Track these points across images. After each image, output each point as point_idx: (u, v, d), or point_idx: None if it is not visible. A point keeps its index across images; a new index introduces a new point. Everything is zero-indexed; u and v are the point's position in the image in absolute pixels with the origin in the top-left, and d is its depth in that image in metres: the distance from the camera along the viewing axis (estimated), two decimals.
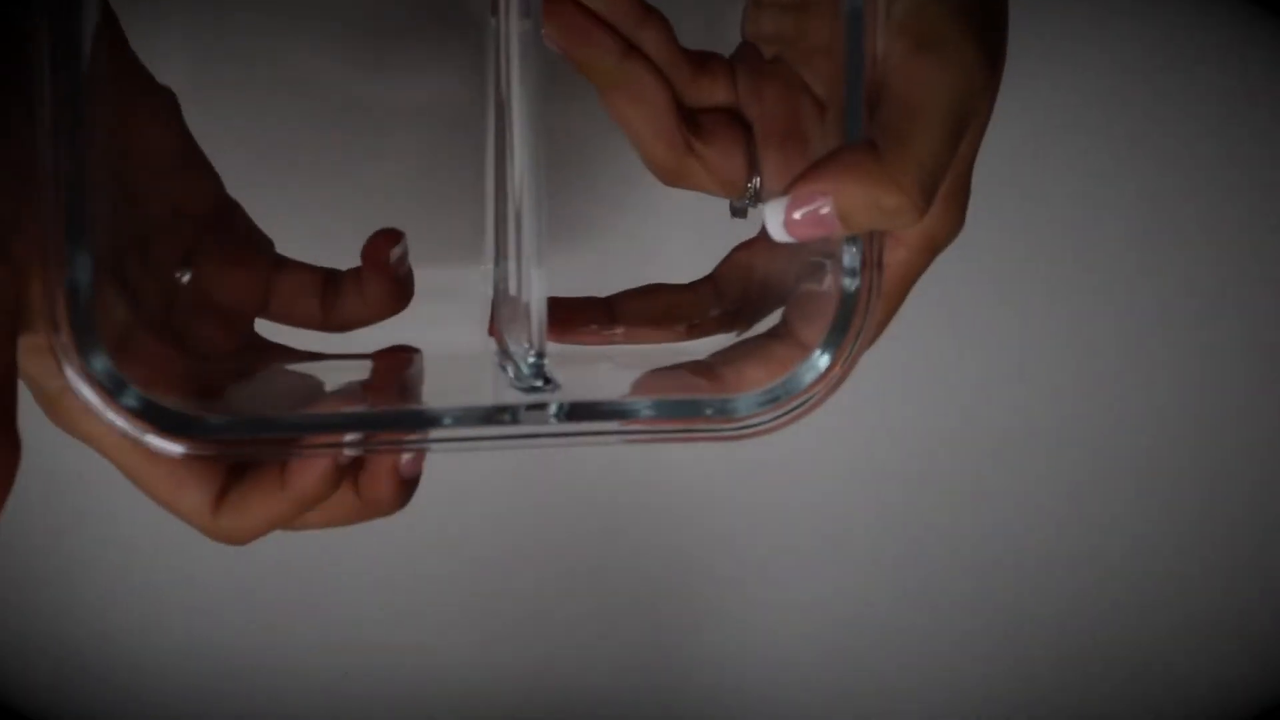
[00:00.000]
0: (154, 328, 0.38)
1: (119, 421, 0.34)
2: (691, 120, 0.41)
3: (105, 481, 0.52)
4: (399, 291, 0.41)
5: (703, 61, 0.42)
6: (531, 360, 0.37)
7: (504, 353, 0.39)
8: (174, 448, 0.34)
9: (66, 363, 0.33)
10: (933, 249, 0.38)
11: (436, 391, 0.38)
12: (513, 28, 0.39)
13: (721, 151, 0.41)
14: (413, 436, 0.36)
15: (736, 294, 0.42)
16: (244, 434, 0.34)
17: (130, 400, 0.34)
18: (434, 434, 0.35)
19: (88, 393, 0.34)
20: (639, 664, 0.56)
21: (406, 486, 0.38)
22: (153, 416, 0.34)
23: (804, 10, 0.40)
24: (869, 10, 0.34)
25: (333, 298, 0.41)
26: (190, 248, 0.39)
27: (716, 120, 0.41)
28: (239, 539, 0.37)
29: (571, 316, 0.41)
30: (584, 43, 0.40)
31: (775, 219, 0.35)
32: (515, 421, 0.35)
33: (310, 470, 0.36)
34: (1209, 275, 0.56)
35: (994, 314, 0.55)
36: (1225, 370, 0.56)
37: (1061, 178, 0.55)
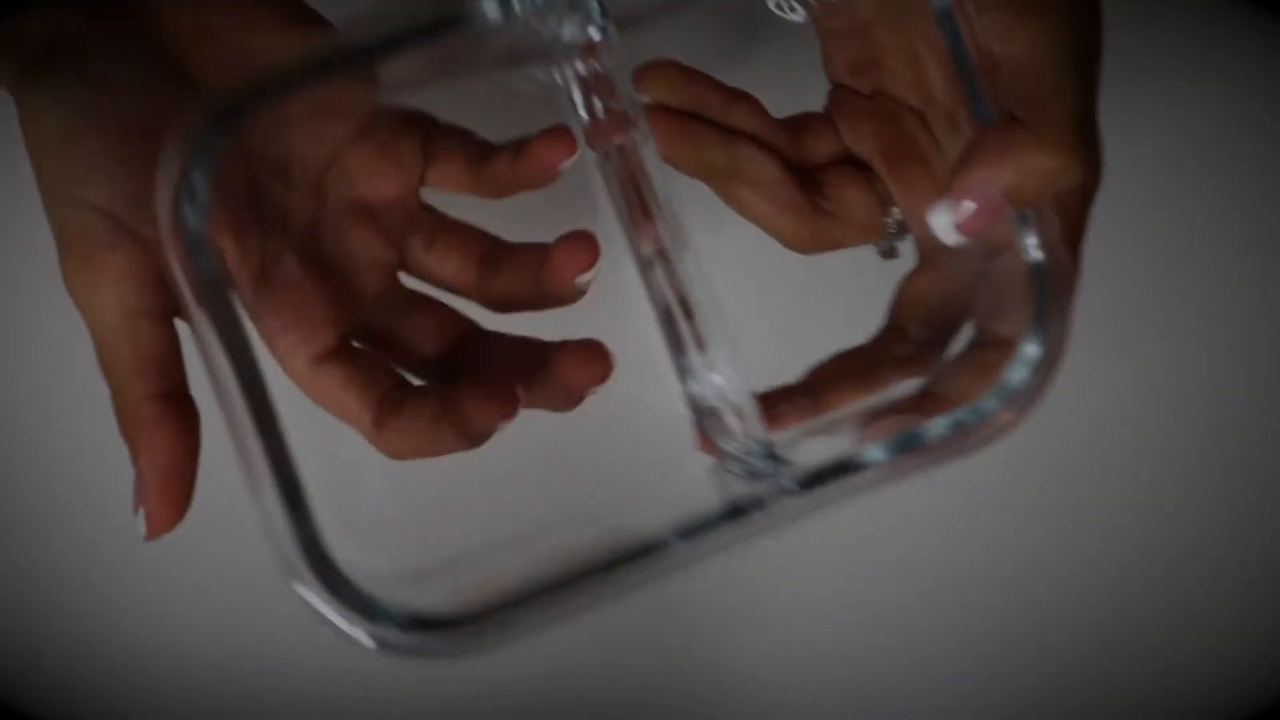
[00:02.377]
0: (300, 249, 0.38)
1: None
2: (810, 181, 0.40)
3: (105, 481, 0.52)
4: (559, 152, 0.39)
5: (800, 122, 0.41)
6: (757, 448, 0.36)
7: (724, 458, 0.38)
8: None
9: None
10: (1089, 198, 0.38)
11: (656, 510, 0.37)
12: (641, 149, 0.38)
13: (849, 199, 0.40)
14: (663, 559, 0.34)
15: (920, 327, 0.41)
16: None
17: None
18: (686, 550, 0.34)
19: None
20: (641, 663, 0.56)
21: None
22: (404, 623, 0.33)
23: (870, 31, 0.40)
24: (955, 3, 0.34)
25: (482, 165, 0.40)
26: (336, 150, 0.39)
27: (834, 172, 0.41)
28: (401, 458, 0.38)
29: (776, 406, 0.40)
30: (691, 142, 0.39)
31: (943, 222, 0.35)
32: (761, 508, 0.35)
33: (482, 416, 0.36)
34: (1209, 276, 0.56)
35: None
36: (1226, 370, 0.56)
37: None
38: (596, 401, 0.40)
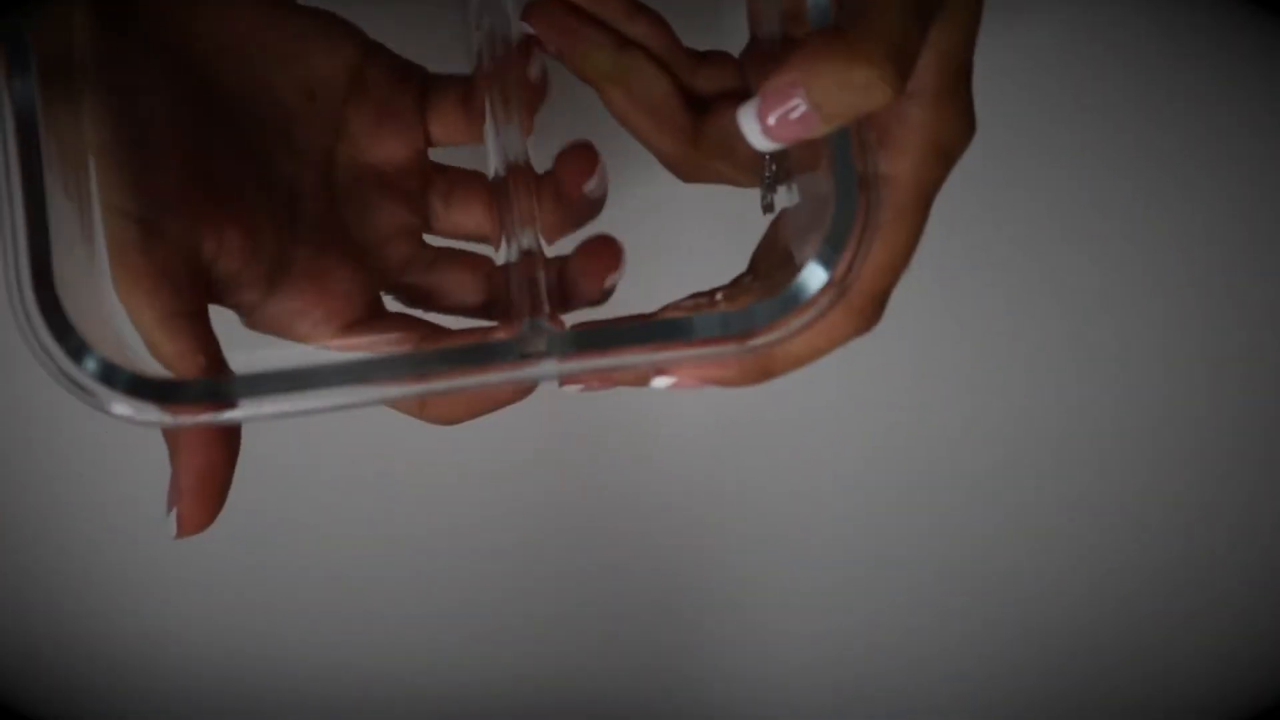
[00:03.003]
0: (319, 229, 0.38)
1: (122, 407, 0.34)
2: (699, 108, 0.39)
3: (106, 481, 0.53)
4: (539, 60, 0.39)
5: (705, 55, 0.40)
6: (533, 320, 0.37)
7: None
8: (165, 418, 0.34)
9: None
10: (942, 154, 0.37)
11: None
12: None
13: (730, 126, 0.38)
14: (411, 385, 0.35)
15: (767, 265, 0.40)
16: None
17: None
18: (439, 381, 0.34)
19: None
20: (641, 663, 0.56)
21: None
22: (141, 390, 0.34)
23: None
24: None
25: (478, 106, 0.40)
26: (337, 121, 0.40)
27: (721, 100, 0.40)
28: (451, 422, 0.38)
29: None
30: (580, 41, 0.39)
31: (750, 124, 0.34)
32: (512, 356, 0.34)
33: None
34: (1210, 276, 0.56)
35: (996, 312, 0.55)
36: (1227, 370, 0.56)
37: (1061, 178, 0.55)
38: None
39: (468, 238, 0.42)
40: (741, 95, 0.39)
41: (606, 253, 0.39)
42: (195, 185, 0.37)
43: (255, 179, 0.38)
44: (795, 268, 0.35)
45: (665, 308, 0.39)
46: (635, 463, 0.55)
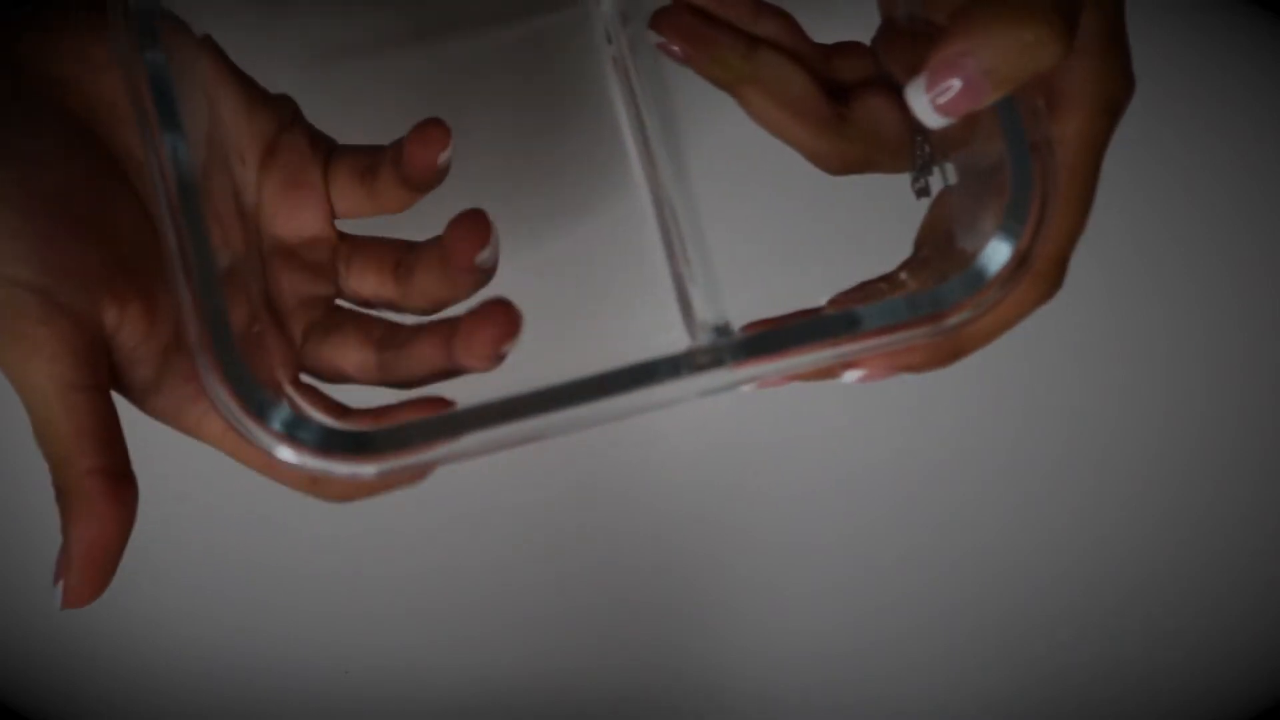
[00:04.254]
0: (257, 303, 0.37)
1: (311, 462, 0.33)
2: (838, 97, 0.38)
3: None
4: (433, 146, 0.38)
5: (837, 46, 0.39)
6: (712, 327, 0.35)
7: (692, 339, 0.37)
8: (366, 469, 0.33)
9: (236, 418, 0.33)
10: (1109, 109, 0.36)
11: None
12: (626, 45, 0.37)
13: (877, 114, 0.38)
14: (589, 409, 0.33)
15: (933, 247, 0.39)
16: (418, 438, 0.33)
17: (308, 434, 0.33)
18: (612, 403, 0.33)
19: (267, 440, 0.33)
20: (643, 663, 0.56)
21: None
22: (332, 443, 0.33)
23: None
24: None
25: (372, 181, 0.39)
26: (253, 193, 0.39)
27: (863, 88, 0.38)
28: (344, 500, 0.37)
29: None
30: (710, 44, 0.38)
31: (920, 100, 0.32)
32: (685, 370, 0.33)
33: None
34: (1210, 276, 0.56)
35: None
36: (1227, 370, 0.56)
37: None
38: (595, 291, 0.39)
39: (368, 305, 0.40)
40: (880, 81, 0.38)
41: (497, 316, 0.36)
42: (96, 253, 0.35)
43: (155, 247, 0.37)
44: (968, 248, 0.34)
45: (834, 299, 0.38)
46: (635, 463, 0.55)
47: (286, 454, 0.33)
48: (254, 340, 0.36)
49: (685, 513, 0.55)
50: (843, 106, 0.38)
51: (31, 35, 0.36)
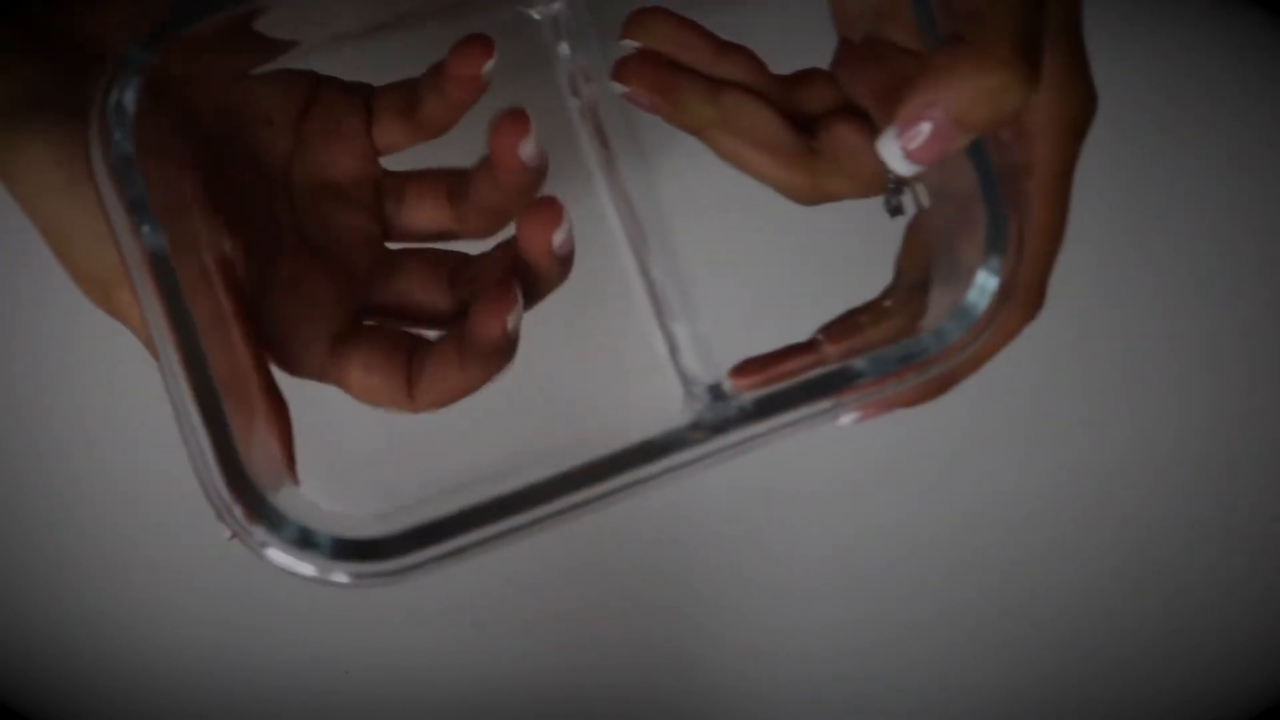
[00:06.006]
0: (292, 245, 0.38)
1: (309, 570, 0.33)
2: (806, 129, 0.39)
3: (106, 481, 0.53)
4: (476, 58, 0.39)
5: (797, 76, 0.40)
6: (706, 386, 0.36)
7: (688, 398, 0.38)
8: (379, 567, 0.33)
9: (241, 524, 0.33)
10: (1073, 130, 0.36)
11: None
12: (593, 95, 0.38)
13: (845, 143, 0.38)
14: (602, 489, 0.34)
15: (916, 272, 0.39)
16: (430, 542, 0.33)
17: (322, 544, 0.33)
18: (624, 478, 0.34)
19: (275, 555, 0.33)
20: (643, 664, 0.56)
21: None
22: (341, 552, 0.33)
23: None
24: None
25: (415, 106, 0.40)
26: (292, 137, 0.39)
27: (830, 117, 0.39)
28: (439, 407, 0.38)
29: (776, 366, 0.39)
30: (677, 96, 0.38)
31: (892, 152, 0.33)
32: (706, 433, 0.34)
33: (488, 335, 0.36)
34: (1210, 275, 0.56)
35: None
36: (1227, 369, 0.56)
37: None
38: (585, 349, 0.40)
39: (424, 238, 0.41)
40: (844, 109, 0.39)
41: (549, 213, 0.38)
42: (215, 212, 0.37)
43: (240, 205, 0.38)
44: (949, 276, 0.35)
45: (823, 329, 0.39)
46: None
47: (306, 568, 0.33)
48: (295, 290, 0.37)
49: (685, 513, 0.55)
50: (810, 138, 0.39)
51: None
